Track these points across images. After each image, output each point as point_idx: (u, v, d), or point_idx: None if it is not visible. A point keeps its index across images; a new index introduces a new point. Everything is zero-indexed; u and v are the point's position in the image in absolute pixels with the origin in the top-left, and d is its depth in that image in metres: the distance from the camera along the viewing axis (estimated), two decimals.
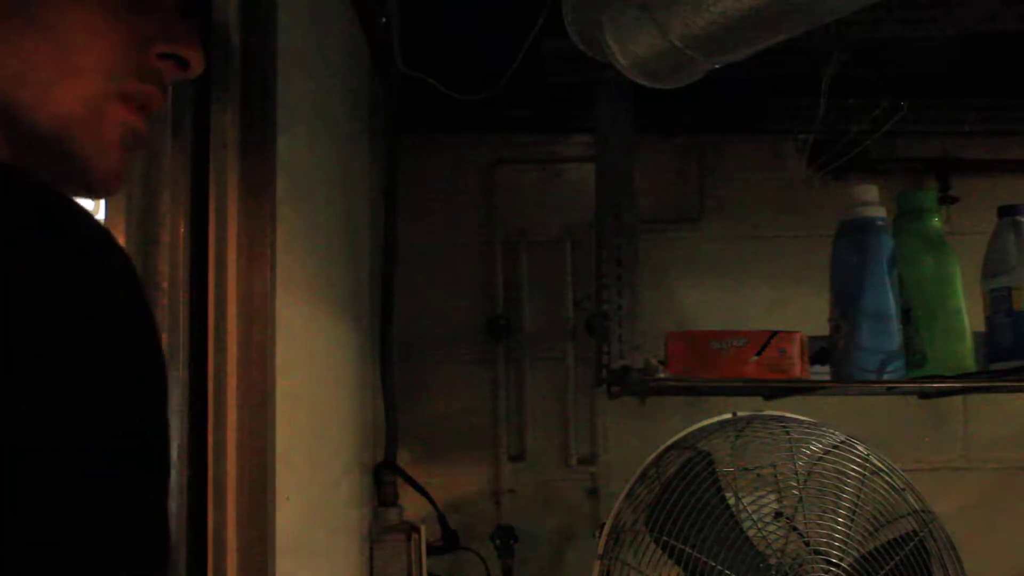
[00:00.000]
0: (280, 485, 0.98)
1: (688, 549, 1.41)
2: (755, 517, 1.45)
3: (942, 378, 1.53)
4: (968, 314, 1.53)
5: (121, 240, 0.81)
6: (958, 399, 2.01)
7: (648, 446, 1.56)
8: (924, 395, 1.80)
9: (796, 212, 2.07)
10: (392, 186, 1.83)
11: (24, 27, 0.56)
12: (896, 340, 1.49)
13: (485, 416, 2.03)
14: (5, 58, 0.56)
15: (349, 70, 1.63)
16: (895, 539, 1.48)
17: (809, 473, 1.48)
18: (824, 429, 1.53)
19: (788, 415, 1.55)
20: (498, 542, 1.92)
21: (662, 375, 1.53)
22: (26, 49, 0.57)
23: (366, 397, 1.76)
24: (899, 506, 1.51)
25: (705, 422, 1.55)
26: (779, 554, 1.43)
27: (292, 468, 1.08)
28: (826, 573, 1.42)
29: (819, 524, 1.45)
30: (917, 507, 1.50)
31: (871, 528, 1.49)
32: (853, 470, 1.48)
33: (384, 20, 1.66)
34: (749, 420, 1.53)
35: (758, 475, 1.48)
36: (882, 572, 1.45)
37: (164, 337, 0.85)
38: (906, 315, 1.52)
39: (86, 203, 0.58)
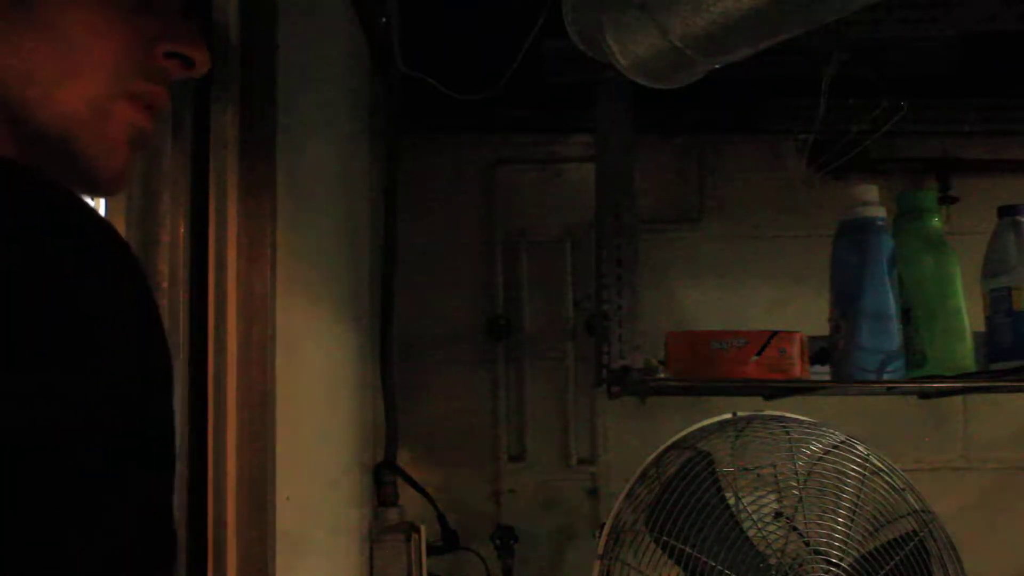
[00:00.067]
0: (280, 485, 0.98)
1: (688, 549, 1.41)
2: (755, 517, 1.45)
3: (942, 378, 1.53)
4: (968, 314, 1.53)
5: None
6: (958, 399, 2.01)
7: (648, 446, 1.56)
8: (924, 395, 1.80)
9: (796, 212, 2.07)
10: (392, 186, 1.83)
11: (29, 27, 0.57)
12: (896, 340, 1.49)
13: (485, 416, 2.03)
14: (11, 58, 0.56)
15: (349, 70, 1.63)
16: (895, 539, 1.48)
17: (809, 473, 1.48)
18: (824, 429, 1.53)
19: (788, 415, 1.55)
20: (498, 542, 1.92)
21: (662, 375, 1.53)
22: (31, 49, 0.57)
23: (366, 397, 1.76)
24: (899, 506, 1.51)
25: (705, 422, 1.55)
26: (779, 554, 1.43)
27: (292, 468, 1.08)
28: (826, 573, 1.42)
29: (819, 524, 1.45)
30: (917, 507, 1.51)
31: (871, 528, 1.49)
32: (853, 470, 1.48)
33: (384, 20, 1.66)
34: (749, 420, 1.53)
35: (758, 475, 1.48)
36: (882, 572, 1.45)
37: None
38: (906, 315, 1.52)
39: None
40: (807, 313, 1.67)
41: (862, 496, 1.48)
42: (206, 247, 0.91)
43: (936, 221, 1.58)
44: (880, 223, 1.51)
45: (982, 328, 1.53)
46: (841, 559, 1.43)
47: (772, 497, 1.46)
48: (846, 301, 1.50)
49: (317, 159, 1.34)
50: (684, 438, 1.54)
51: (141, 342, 0.50)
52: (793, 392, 1.62)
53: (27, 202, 0.48)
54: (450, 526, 1.86)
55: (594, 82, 1.75)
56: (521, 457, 2.03)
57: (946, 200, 2.04)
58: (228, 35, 0.94)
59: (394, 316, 1.82)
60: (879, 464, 1.51)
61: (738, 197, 2.09)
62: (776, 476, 1.47)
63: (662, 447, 1.54)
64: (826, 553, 1.43)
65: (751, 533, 1.45)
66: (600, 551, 1.50)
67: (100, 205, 0.88)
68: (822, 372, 1.57)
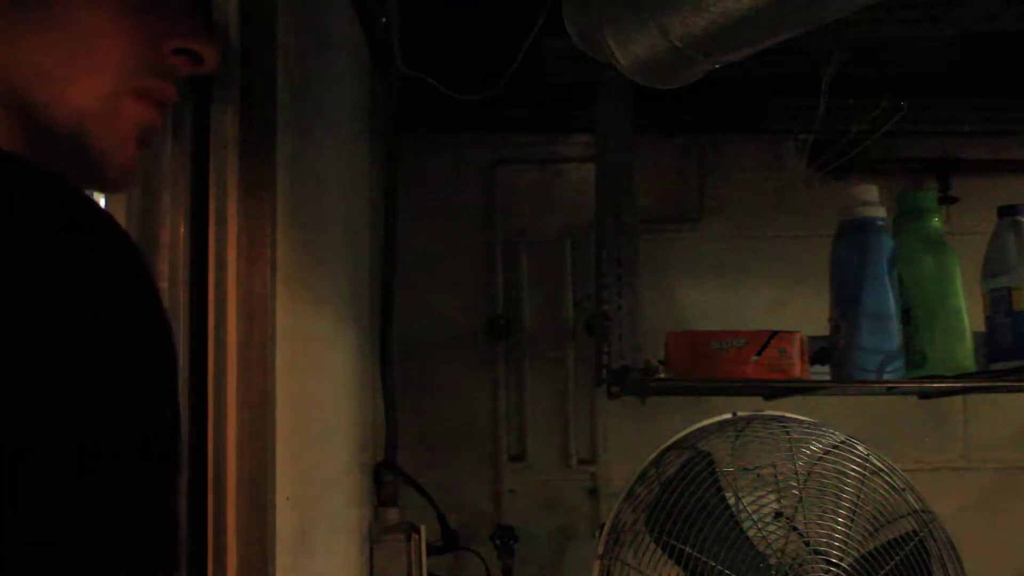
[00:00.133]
0: (280, 485, 0.98)
1: (688, 549, 1.41)
2: (755, 517, 1.45)
3: (942, 378, 1.53)
4: (968, 314, 1.53)
5: None
6: (958, 399, 2.01)
7: (648, 446, 1.56)
8: (924, 395, 1.80)
9: (796, 212, 2.07)
10: (392, 186, 1.83)
11: (40, 25, 0.57)
12: (896, 340, 1.49)
13: (485, 416, 2.03)
14: (22, 55, 0.57)
15: (349, 70, 1.63)
16: (895, 539, 1.48)
17: (809, 473, 1.48)
18: (824, 429, 1.53)
19: (788, 415, 1.55)
20: (498, 542, 1.93)
21: (662, 375, 1.53)
22: (42, 47, 0.57)
23: (366, 397, 1.76)
24: (899, 506, 1.51)
25: (705, 422, 1.55)
26: (779, 554, 1.43)
27: (292, 468, 1.08)
28: (826, 573, 1.42)
29: (819, 524, 1.45)
30: (917, 507, 1.51)
31: (871, 528, 1.49)
32: (853, 470, 1.48)
33: (384, 20, 1.66)
34: (749, 420, 1.53)
35: (758, 475, 1.48)
36: (882, 572, 1.45)
37: None
38: (906, 315, 1.52)
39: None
40: (807, 313, 1.67)
41: (862, 496, 1.48)
42: (206, 247, 0.91)
43: (936, 221, 1.58)
44: (880, 223, 1.51)
45: (982, 328, 1.53)
46: (841, 559, 1.43)
47: (772, 497, 1.46)
48: (846, 301, 1.50)
49: (317, 159, 1.34)
50: (684, 438, 1.54)
51: (146, 339, 0.50)
52: (793, 392, 1.62)
53: (35, 198, 0.49)
54: (450, 526, 1.86)
55: (594, 82, 1.75)
56: (521, 457, 2.03)
57: (946, 200, 2.04)
58: (228, 35, 0.94)
59: (394, 316, 1.81)
60: (879, 464, 1.51)
61: (738, 197, 2.09)
62: (776, 476, 1.47)
63: (662, 447, 1.54)
64: (826, 553, 1.43)
65: (751, 533, 1.45)
66: (600, 551, 1.50)
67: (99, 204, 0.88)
68: (822, 372, 1.57)
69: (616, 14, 1.20)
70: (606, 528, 1.51)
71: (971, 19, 1.61)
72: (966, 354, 1.52)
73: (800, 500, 1.45)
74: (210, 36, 0.65)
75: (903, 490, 1.51)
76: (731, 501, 1.45)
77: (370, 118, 1.81)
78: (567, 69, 1.75)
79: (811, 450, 1.50)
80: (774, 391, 1.63)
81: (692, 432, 1.54)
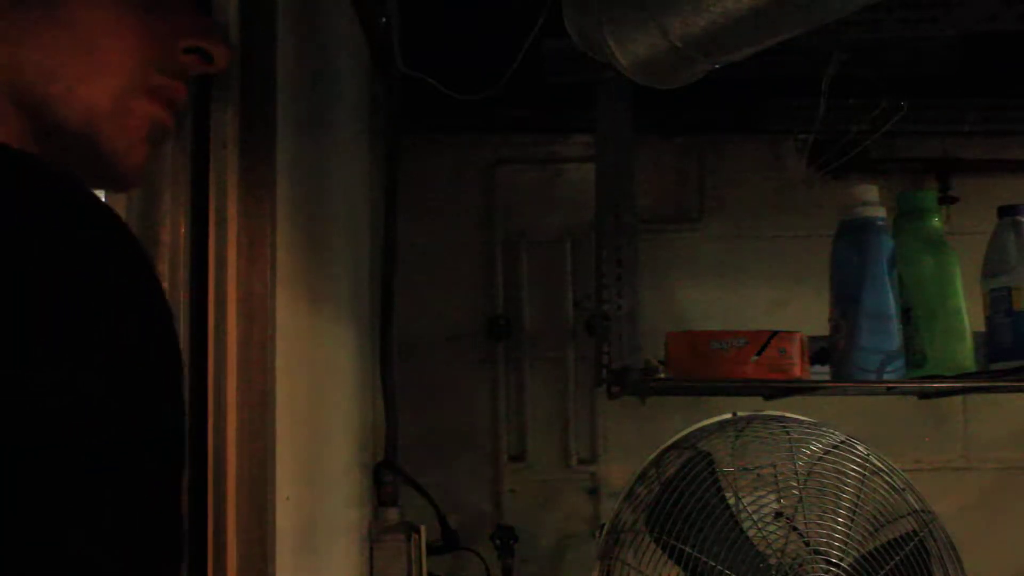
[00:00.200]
0: (280, 485, 0.98)
1: (688, 549, 1.41)
2: (755, 517, 1.45)
3: (942, 378, 1.53)
4: (968, 314, 1.53)
5: None
6: (958, 399, 2.01)
7: (648, 446, 1.56)
8: (924, 395, 1.80)
9: (796, 212, 2.07)
10: (392, 186, 1.83)
11: (52, 24, 0.57)
12: (896, 340, 1.49)
13: (485, 416, 2.03)
14: (34, 53, 0.57)
15: (349, 70, 1.63)
16: (895, 539, 1.48)
17: (809, 473, 1.48)
18: (824, 429, 1.53)
19: (788, 415, 1.55)
20: (498, 542, 1.92)
21: (662, 375, 1.53)
22: (54, 45, 0.57)
23: (366, 397, 1.76)
24: (899, 506, 1.51)
25: (705, 422, 1.55)
26: (779, 554, 1.43)
27: (292, 468, 1.08)
28: (826, 573, 1.42)
29: (819, 524, 1.45)
30: (917, 507, 1.50)
31: (871, 528, 1.49)
32: (853, 470, 1.48)
33: (384, 20, 1.66)
34: (749, 420, 1.53)
35: (758, 475, 1.48)
36: (882, 572, 1.45)
37: None
38: (906, 315, 1.52)
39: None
40: (807, 313, 1.67)
41: (862, 496, 1.48)
42: (206, 247, 0.91)
43: (936, 221, 1.58)
44: (880, 223, 1.51)
45: (982, 328, 1.53)
46: (841, 559, 1.43)
47: (772, 497, 1.46)
48: (846, 301, 1.50)
49: (317, 159, 1.34)
50: (684, 438, 1.54)
51: (149, 337, 0.50)
52: (793, 392, 1.62)
53: (41, 196, 0.49)
54: (450, 526, 1.86)
55: (594, 82, 1.75)
56: (521, 457, 2.03)
57: (946, 200, 2.04)
58: (228, 35, 0.94)
59: (394, 316, 1.81)
60: (879, 464, 1.51)
61: (738, 197, 2.09)
62: (776, 476, 1.47)
63: (662, 447, 1.54)
64: (826, 553, 1.43)
65: (751, 533, 1.45)
66: (600, 551, 1.50)
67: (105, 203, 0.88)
68: (822, 372, 1.57)
69: (616, 14, 1.20)
70: (606, 528, 1.51)
71: (971, 19, 1.61)
72: (966, 354, 1.52)
73: (800, 500, 1.45)
74: (220, 35, 0.66)
75: (903, 490, 1.51)
76: (731, 501, 1.45)
77: (370, 118, 1.81)
78: (567, 69, 1.75)
79: (811, 450, 1.49)
80: (774, 391, 1.63)
81: (692, 432, 1.54)
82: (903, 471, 1.53)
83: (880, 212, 1.52)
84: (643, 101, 1.73)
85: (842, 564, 1.43)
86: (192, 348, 0.90)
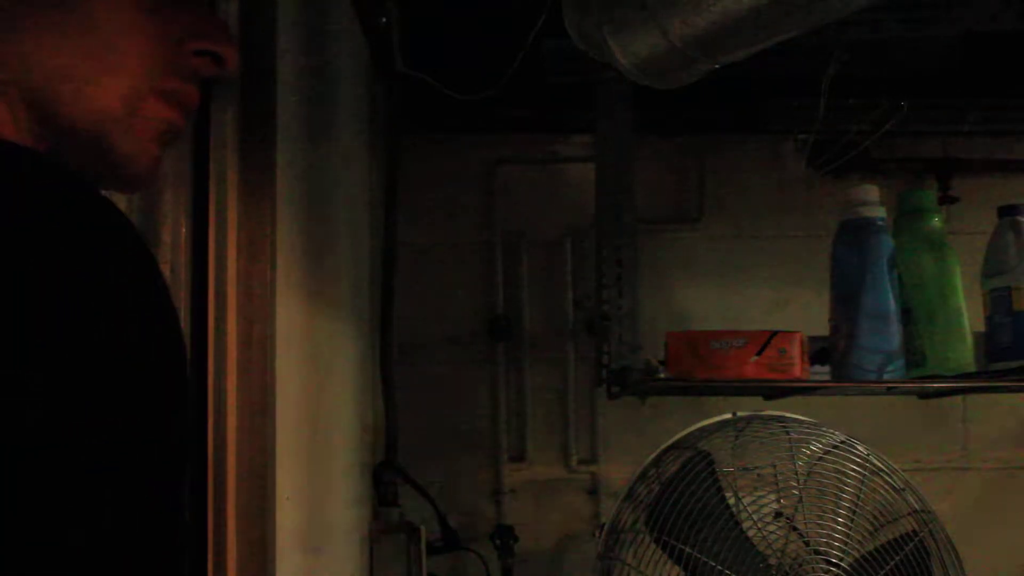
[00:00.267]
0: (280, 485, 0.98)
1: (688, 549, 1.41)
2: (755, 517, 1.45)
3: (942, 378, 1.53)
4: (968, 314, 1.53)
5: None
6: (958, 399, 2.01)
7: (648, 446, 1.56)
8: (924, 395, 1.80)
9: (796, 212, 2.07)
10: (392, 186, 1.83)
11: (63, 25, 0.57)
12: (896, 340, 1.49)
13: (485, 416, 2.03)
14: (45, 54, 0.57)
15: (349, 70, 1.63)
16: (895, 539, 1.48)
17: (809, 473, 1.48)
18: (824, 429, 1.53)
19: (788, 415, 1.55)
20: (498, 542, 1.93)
21: (662, 375, 1.53)
22: (65, 46, 0.57)
23: (366, 397, 1.76)
24: (899, 506, 1.51)
25: (705, 422, 1.55)
26: (779, 554, 1.43)
27: (292, 468, 1.08)
28: (826, 573, 1.42)
29: (819, 524, 1.45)
30: (917, 507, 1.50)
31: (871, 528, 1.49)
32: (853, 470, 1.48)
33: (384, 20, 1.66)
34: (749, 420, 1.53)
35: (758, 475, 1.48)
36: (882, 572, 1.45)
37: None
38: (906, 315, 1.52)
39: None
40: (807, 313, 1.67)
41: (862, 496, 1.48)
42: (206, 247, 0.92)
43: (936, 221, 1.58)
44: (880, 223, 1.51)
45: (982, 328, 1.53)
46: (841, 559, 1.43)
47: (772, 497, 1.46)
48: (846, 301, 1.50)
49: (317, 159, 1.34)
50: (684, 438, 1.54)
51: (154, 340, 0.50)
52: (793, 392, 1.62)
53: (47, 197, 0.49)
54: (450, 526, 1.86)
55: (594, 82, 1.75)
56: (521, 457, 2.03)
57: (946, 200, 2.04)
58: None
59: (394, 316, 1.81)
60: (879, 464, 1.51)
61: (738, 197, 2.09)
62: (776, 476, 1.47)
63: (662, 447, 1.54)
64: (826, 553, 1.43)
65: (751, 533, 1.45)
66: (600, 551, 1.50)
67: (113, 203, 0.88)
68: (822, 372, 1.57)
69: (616, 14, 1.20)
70: (606, 528, 1.51)
71: (971, 19, 1.61)
72: (966, 354, 1.52)
73: (800, 500, 1.45)
74: (231, 37, 0.66)
75: (903, 490, 1.51)
76: (731, 501, 1.45)
77: (370, 118, 1.81)
78: (567, 69, 1.75)
79: (811, 450, 1.49)
80: (774, 391, 1.63)
81: (692, 432, 1.54)
82: (903, 471, 1.53)
83: (880, 212, 1.52)
84: (643, 101, 1.73)
85: (842, 564, 1.43)
86: (192, 348, 0.90)
